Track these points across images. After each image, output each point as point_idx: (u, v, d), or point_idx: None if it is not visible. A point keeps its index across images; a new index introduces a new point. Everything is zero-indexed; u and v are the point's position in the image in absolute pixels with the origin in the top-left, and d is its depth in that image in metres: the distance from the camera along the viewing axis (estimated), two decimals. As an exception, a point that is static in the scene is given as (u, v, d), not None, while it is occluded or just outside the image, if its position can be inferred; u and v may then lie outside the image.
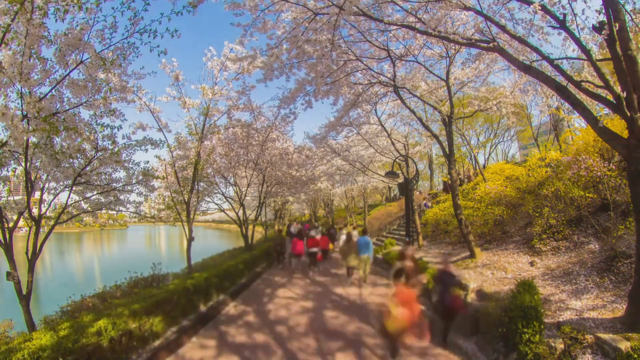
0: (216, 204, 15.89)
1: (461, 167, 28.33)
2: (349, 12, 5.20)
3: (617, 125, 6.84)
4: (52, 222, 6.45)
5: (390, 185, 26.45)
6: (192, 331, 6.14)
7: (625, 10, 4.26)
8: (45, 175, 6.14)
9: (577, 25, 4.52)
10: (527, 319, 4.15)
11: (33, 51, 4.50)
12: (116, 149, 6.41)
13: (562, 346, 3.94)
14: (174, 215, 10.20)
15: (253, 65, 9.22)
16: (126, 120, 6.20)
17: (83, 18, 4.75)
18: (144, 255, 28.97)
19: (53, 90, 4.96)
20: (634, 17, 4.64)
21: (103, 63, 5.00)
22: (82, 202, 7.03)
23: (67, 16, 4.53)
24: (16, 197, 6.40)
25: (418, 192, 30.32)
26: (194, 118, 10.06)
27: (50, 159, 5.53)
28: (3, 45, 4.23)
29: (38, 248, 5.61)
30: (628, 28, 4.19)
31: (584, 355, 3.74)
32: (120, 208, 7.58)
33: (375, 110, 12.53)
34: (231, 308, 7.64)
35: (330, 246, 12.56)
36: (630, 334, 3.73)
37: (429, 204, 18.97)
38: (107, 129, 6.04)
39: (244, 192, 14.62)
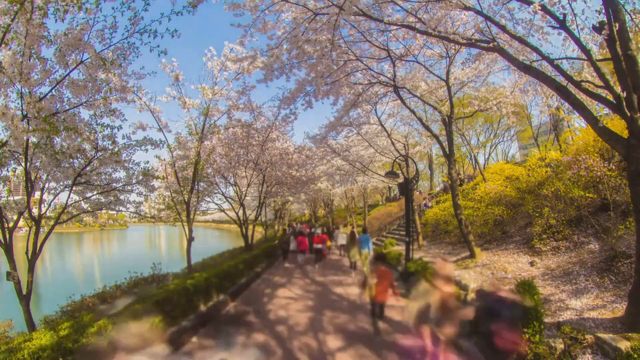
0: (216, 204, 15.90)
1: (461, 167, 28.34)
2: (349, 12, 5.20)
3: (617, 125, 6.84)
4: (52, 222, 6.46)
5: (390, 185, 26.46)
6: (192, 331, 6.14)
7: (625, 10, 4.26)
8: (45, 175, 6.14)
9: (577, 25, 4.52)
10: (527, 319, 4.16)
11: (33, 51, 4.51)
12: (116, 149, 6.41)
13: (562, 346, 3.94)
14: (174, 215, 10.20)
15: (253, 66, 9.22)
16: (126, 120, 6.20)
17: (83, 18, 4.75)
18: (144, 255, 28.97)
19: (53, 90, 4.96)
20: (634, 17, 4.64)
21: (103, 63, 5.01)
22: (82, 202, 7.03)
23: (67, 16, 4.54)
24: (16, 197, 6.40)
25: (418, 192, 30.35)
26: (194, 118, 10.07)
27: (50, 159, 5.53)
28: (3, 45, 4.23)
29: (38, 248, 5.61)
30: (628, 28, 4.20)
31: (584, 355, 3.74)
32: (120, 208, 7.59)
33: (375, 110, 12.54)
34: (231, 308, 7.64)
35: (328, 243, 14.12)
36: (630, 334, 3.73)
37: (429, 204, 18.98)
38: (107, 129, 6.04)
39: (244, 192, 14.62)
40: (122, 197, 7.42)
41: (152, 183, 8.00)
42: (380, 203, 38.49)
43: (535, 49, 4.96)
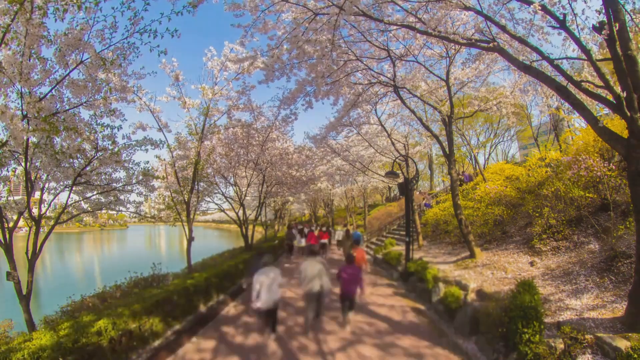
0: (216, 204, 15.88)
1: (461, 167, 28.34)
2: (349, 12, 5.20)
3: (617, 125, 6.84)
4: (52, 222, 6.45)
5: (390, 185, 26.47)
6: (192, 331, 6.14)
7: (626, 10, 4.26)
8: (45, 175, 6.14)
9: (577, 25, 4.52)
10: (527, 319, 4.16)
11: (33, 51, 4.50)
12: (116, 149, 6.41)
13: (562, 346, 3.94)
14: (174, 215, 10.19)
15: (253, 66, 9.22)
16: (126, 120, 6.21)
17: (83, 18, 4.75)
18: (143, 255, 28.97)
19: (53, 90, 4.96)
20: (634, 17, 4.64)
21: (103, 63, 5.01)
22: (82, 202, 7.03)
23: (66, 16, 4.54)
24: (16, 197, 6.39)
25: (418, 192, 30.38)
26: (194, 118, 10.06)
27: (50, 159, 5.53)
28: (3, 45, 4.23)
29: (38, 248, 5.61)
30: (628, 28, 4.19)
31: (584, 355, 3.74)
32: (120, 208, 7.58)
33: (375, 110, 12.54)
34: (231, 308, 7.64)
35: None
36: (630, 334, 3.73)
37: (430, 204, 18.99)
38: (107, 129, 6.04)
39: (244, 192, 14.61)
40: (122, 197, 7.42)
41: (152, 183, 8.00)
42: (380, 203, 38.50)
43: (535, 49, 4.96)
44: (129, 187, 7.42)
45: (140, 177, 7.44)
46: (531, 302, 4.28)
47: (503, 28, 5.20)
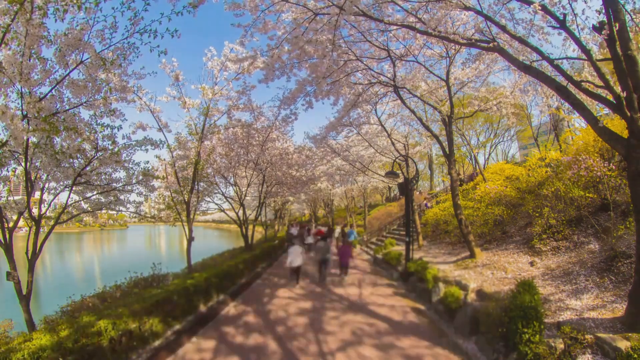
0: (216, 204, 15.89)
1: (461, 167, 28.34)
2: (350, 12, 5.20)
3: (617, 125, 6.84)
4: (52, 222, 6.45)
5: (390, 185, 26.50)
6: (192, 331, 6.14)
7: (626, 10, 4.26)
8: (45, 175, 6.14)
9: (577, 25, 4.52)
10: (527, 319, 4.15)
11: (33, 51, 4.51)
12: (116, 149, 6.41)
13: (562, 346, 3.94)
14: (174, 215, 10.20)
15: (253, 66, 9.22)
16: (126, 120, 6.20)
17: (83, 18, 4.75)
18: (143, 255, 28.97)
19: (53, 90, 4.96)
20: (634, 17, 4.64)
21: (103, 63, 5.01)
22: (82, 202, 7.03)
23: (66, 16, 4.54)
24: (16, 197, 6.40)
25: (418, 192, 30.42)
26: (194, 118, 10.06)
27: (50, 159, 5.53)
28: (3, 45, 4.23)
29: (38, 248, 5.61)
30: (628, 28, 4.19)
31: (584, 355, 3.74)
32: (120, 208, 7.58)
33: (375, 110, 12.54)
34: (231, 308, 7.64)
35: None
36: (630, 334, 3.73)
37: (429, 204, 18.99)
38: (107, 129, 6.04)
39: (244, 192, 14.62)
40: (122, 197, 7.42)
41: (152, 183, 8.00)
42: (380, 203, 38.50)
43: (536, 49, 4.96)
44: (129, 187, 7.42)
45: (140, 177, 7.44)
46: (531, 302, 4.28)
47: (503, 28, 5.20)
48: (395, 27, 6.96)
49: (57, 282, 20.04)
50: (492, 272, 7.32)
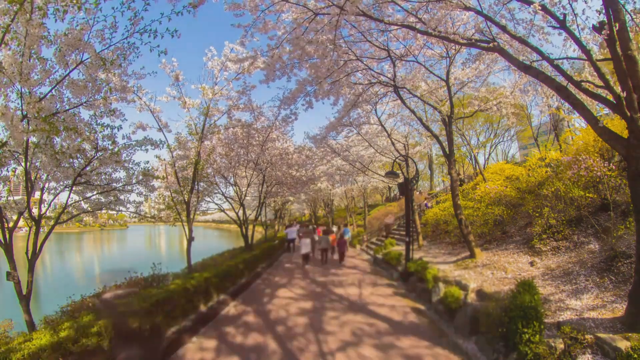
0: (216, 204, 15.87)
1: (461, 167, 28.34)
2: (350, 12, 5.21)
3: (617, 125, 6.83)
4: (52, 222, 6.45)
5: (390, 185, 26.53)
6: (193, 331, 6.14)
7: (626, 10, 4.26)
8: (45, 175, 6.14)
9: (578, 25, 4.52)
10: (527, 319, 4.15)
11: (33, 51, 4.50)
12: (116, 149, 6.41)
13: (562, 346, 3.94)
14: (174, 215, 10.19)
15: (254, 66, 9.21)
16: (126, 120, 6.20)
17: (83, 18, 4.75)
18: (143, 255, 28.97)
19: (53, 90, 4.96)
20: (634, 17, 4.63)
21: (103, 63, 5.01)
22: (82, 202, 7.02)
23: (66, 16, 4.54)
24: (16, 197, 6.39)
25: (418, 192, 30.45)
26: (194, 118, 10.06)
27: (50, 159, 5.53)
28: (3, 46, 4.23)
29: (38, 248, 5.61)
30: (628, 28, 4.19)
31: (584, 355, 3.74)
32: (120, 208, 7.58)
33: (375, 110, 12.54)
34: (231, 308, 7.64)
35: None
36: (630, 334, 3.73)
37: (429, 204, 18.99)
38: (107, 129, 6.03)
39: (244, 192, 14.61)
40: (122, 197, 7.41)
41: (152, 183, 8.00)
42: (380, 203, 38.50)
43: (536, 49, 4.96)
44: (129, 187, 7.42)
45: (140, 177, 7.44)
46: (531, 302, 4.28)
47: (503, 28, 5.19)
48: (395, 27, 6.96)
49: (57, 282, 20.03)
50: (492, 272, 7.32)
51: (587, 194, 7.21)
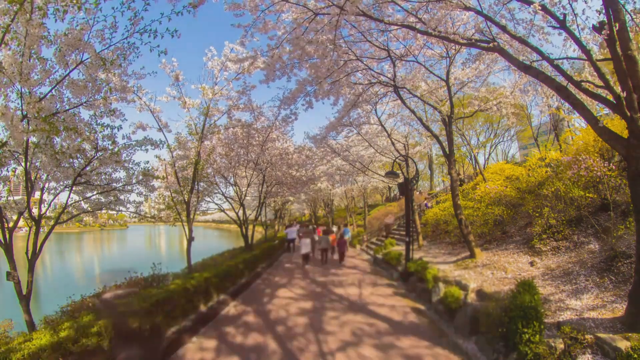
0: (216, 204, 15.88)
1: (461, 167, 28.34)
2: (351, 12, 5.21)
3: (617, 125, 6.83)
4: (52, 222, 6.45)
5: (390, 185, 26.54)
6: (193, 331, 6.14)
7: (626, 10, 4.26)
8: (45, 175, 6.14)
9: (578, 25, 4.52)
10: (527, 319, 4.15)
11: (33, 51, 4.50)
12: (116, 149, 6.41)
13: (562, 346, 3.94)
14: (174, 215, 10.19)
15: (254, 66, 9.21)
16: (126, 120, 6.20)
17: (83, 18, 4.75)
18: (143, 255, 28.96)
19: (53, 90, 4.96)
20: (634, 17, 4.63)
21: (103, 63, 5.01)
22: (82, 202, 7.02)
23: (66, 16, 4.54)
24: (16, 197, 6.39)
25: (418, 192, 30.47)
26: (194, 118, 10.06)
27: (50, 159, 5.53)
28: (3, 46, 4.23)
29: (38, 248, 5.61)
30: (628, 28, 4.19)
31: (584, 355, 3.74)
32: (120, 208, 7.58)
33: (375, 110, 12.54)
34: (231, 308, 7.64)
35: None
36: (630, 334, 3.73)
37: (430, 204, 18.99)
38: (107, 129, 6.03)
39: (244, 192, 14.61)
40: (122, 197, 7.41)
41: (152, 183, 8.00)
42: (380, 203, 38.50)
43: (536, 49, 4.96)
44: (129, 187, 7.42)
45: (140, 177, 7.43)
46: (531, 302, 4.28)
47: (503, 28, 5.19)
48: (395, 27, 6.96)
49: (57, 282, 20.03)
50: (492, 272, 7.32)
51: (587, 194, 7.21)
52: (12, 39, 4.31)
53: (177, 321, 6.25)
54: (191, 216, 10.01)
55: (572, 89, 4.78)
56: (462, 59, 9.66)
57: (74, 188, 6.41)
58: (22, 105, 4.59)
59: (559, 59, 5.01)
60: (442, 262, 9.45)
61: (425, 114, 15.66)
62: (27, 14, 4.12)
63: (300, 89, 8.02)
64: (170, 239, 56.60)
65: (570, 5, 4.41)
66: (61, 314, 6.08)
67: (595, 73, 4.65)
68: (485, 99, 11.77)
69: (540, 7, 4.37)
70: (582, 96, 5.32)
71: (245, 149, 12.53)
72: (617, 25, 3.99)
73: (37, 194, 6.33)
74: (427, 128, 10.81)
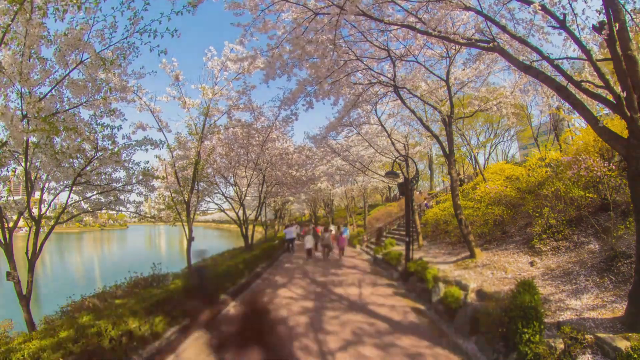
0: (216, 204, 15.91)
1: (461, 167, 28.35)
2: (351, 12, 5.21)
3: (617, 125, 6.83)
4: (52, 222, 6.45)
5: (390, 185, 26.55)
6: (193, 331, 6.13)
7: (626, 10, 4.25)
8: (45, 175, 6.14)
9: (578, 25, 4.52)
10: (527, 319, 4.15)
11: (33, 51, 4.51)
12: (116, 149, 6.41)
13: (562, 346, 3.94)
14: (174, 215, 10.20)
15: (254, 66, 9.22)
16: (126, 120, 6.20)
17: (83, 18, 4.76)
18: (144, 255, 28.95)
19: (53, 90, 4.96)
20: (634, 17, 4.63)
21: (103, 63, 5.01)
22: (82, 202, 7.03)
23: (66, 16, 4.54)
24: (16, 197, 6.39)
25: (418, 192, 30.50)
26: (194, 118, 10.07)
27: (50, 159, 5.53)
28: (3, 45, 4.23)
29: (38, 248, 5.61)
30: (628, 28, 4.19)
31: (584, 355, 3.74)
32: (120, 208, 7.58)
33: (375, 110, 12.53)
34: (231, 308, 7.64)
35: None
36: (630, 334, 3.73)
37: (430, 204, 19.00)
38: (107, 129, 6.04)
39: (244, 192, 14.62)
40: (122, 197, 7.42)
41: (152, 183, 8.00)
42: (380, 203, 38.51)
43: (536, 49, 4.96)
44: (129, 187, 7.42)
45: (140, 177, 7.44)
46: (531, 302, 4.28)
47: (503, 28, 5.19)
48: (395, 27, 6.96)
49: (57, 282, 20.03)
50: (492, 272, 7.32)
51: (587, 194, 7.21)
52: (12, 38, 4.31)
53: (177, 321, 6.25)
54: (191, 216, 10.01)
55: (572, 89, 4.78)
56: (462, 59, 9.67)
57: (74, 188, 6.41)
58: (22, 105, 4.59)
59: (559, 59, 5.01)
60: (442, 262, 9.44)
61: (425, 114, 15.66)
62: (27, 14, 4.12)
63: (301, 89, 8.02)
64: (170, 239, 56.57)
65: (570, 5, 4.41)
66: (61, 314, 6.10)
67: (595, 73, 4.65)
68: (485, 99, 11.77)
69: (540, 7, 4.37)
70: (582, 96, 5.32)
71: (245, 149, 12.53)
72: (617, 25, 3.99)
73: (37, 194, 6.33)
74: (427, 128, 10.81)
